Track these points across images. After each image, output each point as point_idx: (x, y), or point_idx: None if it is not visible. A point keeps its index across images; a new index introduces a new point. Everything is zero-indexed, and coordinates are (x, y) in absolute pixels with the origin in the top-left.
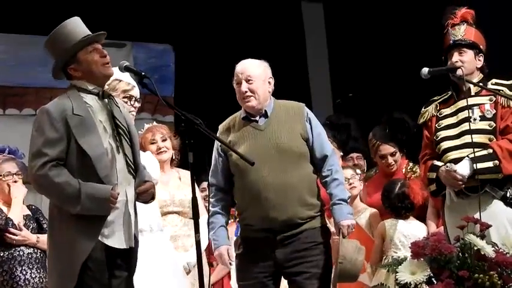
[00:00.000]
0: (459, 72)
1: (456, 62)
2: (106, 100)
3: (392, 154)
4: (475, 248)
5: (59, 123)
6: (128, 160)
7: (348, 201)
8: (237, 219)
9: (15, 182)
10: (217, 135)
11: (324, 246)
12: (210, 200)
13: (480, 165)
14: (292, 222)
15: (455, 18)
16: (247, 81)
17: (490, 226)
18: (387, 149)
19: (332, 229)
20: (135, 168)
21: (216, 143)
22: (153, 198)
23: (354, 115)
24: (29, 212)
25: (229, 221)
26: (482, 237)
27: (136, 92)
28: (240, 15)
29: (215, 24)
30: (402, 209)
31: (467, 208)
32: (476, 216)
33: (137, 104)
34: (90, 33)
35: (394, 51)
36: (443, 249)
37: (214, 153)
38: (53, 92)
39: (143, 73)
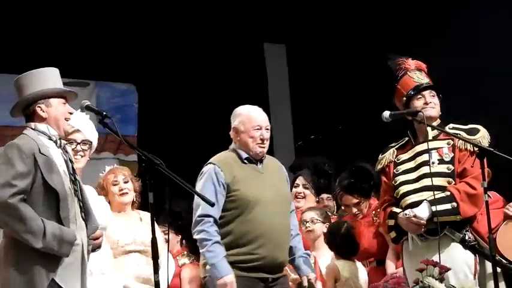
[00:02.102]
0: (420, 115)
1: (430, 102)
2: (61, 146)
3: (356, 204)
4: None
5: (28, 159)
6: (81, 205)
7: None
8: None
9: None
10: (216, 168)
11: None
12: (208, 230)
13: (439, 207)
14: (283, 265)
15: (407, 65)
16: (267, 129)
17: (449, 269)
18: (349, 199)
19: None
20: (86, 214)
21: (219, 177)
22: (99, 247)
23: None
24: None
25: (186, 262)
26: (441, 280)
27: (78, 136)
28: (202, 56)
29: (178, 64)
30: (347, 250)
31: (426, 251)
32: (436, 259)
33: (82, 147)
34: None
35: (356, 93)
36: None
37: (213, 185)
38: (14, 130)
39: (104, 113)
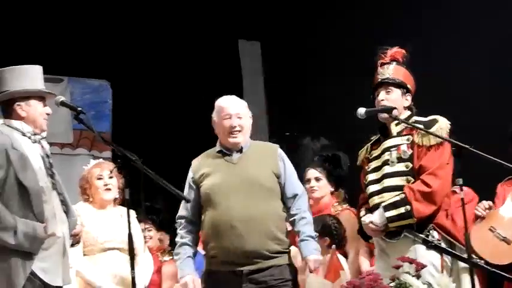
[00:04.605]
0: (395, 112)
1: (382, 100)
2: (36, 142)
3: (317, 179)
4: None
5: (0, 153)
6: (62, 199)
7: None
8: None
9: None
10: (191, 167)
11: (292, 284)
12: (179, 231)
13: (392, 213)
14: (259, 255)
15: (385, 58)
16: (239, 117)
17: (425, 266)
18: (313, 173)
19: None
20: (66, 207)
21: (188, 176)
22: (78, 242)
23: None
24: None
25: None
26: (418, 277)
27: None
28: (177, 52)
29: (152, 60)
30: (340, 239)
31: (392, 252)
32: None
33: None
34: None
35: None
36: None
37: (186, 186)
38: None
39: (79, 108)
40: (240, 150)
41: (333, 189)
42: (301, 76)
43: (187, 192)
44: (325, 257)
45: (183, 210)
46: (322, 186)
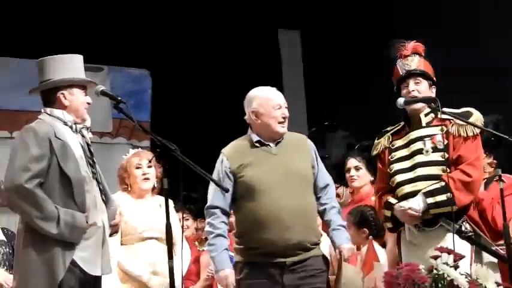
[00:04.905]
0: (435, 102)
1: (413, 90)
2: (78, 131)
3: (357, 168)
4: (448, 279)
5: (43, 143)
6: (101, 188)
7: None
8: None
9: None
10: (223, 157)
11: (326, 275)
12: (212, 222)
13: (433, 199)
14: (302, 246)
15: (405, 50)
16: (286, 108)
17: (464, 257)
18: (352, 162)
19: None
20: (105, 196)
21: (222, 166)
22: (117, 232)
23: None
24: (3, 237)
25: (205, 249)
26: (456, 267)
27: None
28: (217, 42)
29: (192, 50)
30: (378, 229)
31: (423, 242)
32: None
33: None
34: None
35: (370, 78)
36: (416, 279)
37: (220, 176)
38: (29, 114)
39: (119, 98)
40: (278, 142)
41: (372, 178)
42: (341, 65)
43: (221, 181)
44: (362, 249)
45: (217, 199)
46: (362, 176)
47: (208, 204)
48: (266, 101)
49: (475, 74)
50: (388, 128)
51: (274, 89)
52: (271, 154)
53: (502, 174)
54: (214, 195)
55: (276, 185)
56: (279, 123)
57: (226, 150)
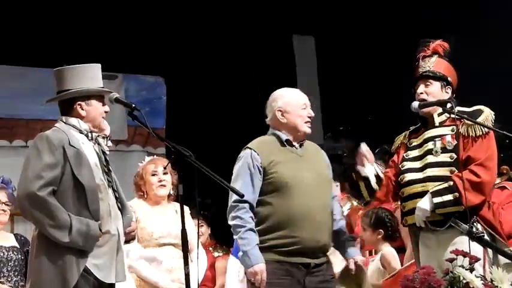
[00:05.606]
0: (449, 105)
1: (421, 93)
2: (93, 139)
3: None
4: (464, 281)
5: (57, 150)
6: (117, 196)
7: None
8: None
9: (3, 211)
10: (252, 152)
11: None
12: (242, 216)
13: (439, 199)
14: (325, 249)
15: (427, 50)
16: (310, 108)
17: (479, 259)
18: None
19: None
20: (121, 204)
21: (253, 160)
22: (133, 239)
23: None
24: (16, 244)
25: (220, 254)
26: (471, 270)
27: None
28: (231, 48)
29: (207, 56)
30: (394, 231)
31: (435, 243)
32: (445, 251)
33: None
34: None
35: (385, 83)
36: (432, 282)
37: (249, 169)
38: (44, 123)
39: (134, 105)
40: (301, 144)
41: None
42: (355, 69)
43: (247, 174)
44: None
45: (247, 194)
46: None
47: (236, 198)
48: (293, 100)
49: None
50: (411, 127)
51: (298, 89)
52: (298, 155)
53: (507, 183)
54: (242, 190)
55: (308, 185)
56: (305, 122)
57: (254, 146)
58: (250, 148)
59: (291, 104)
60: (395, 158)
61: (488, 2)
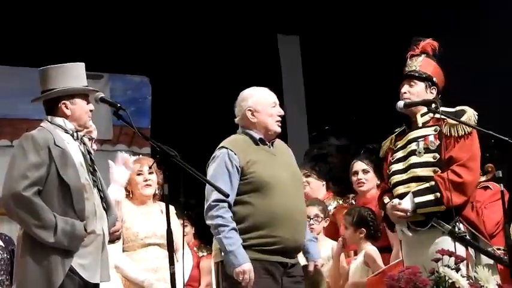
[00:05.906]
0: (433, 105)
1: (404, 93)
2: (79, 139)
3: (365, 171)
4: (450, 281)
5: (42, 150)
6: (102, 195)
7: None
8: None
9: None
10: (229, 152)
11: None
12: (224, 215)
13: (420, 199)
14: (300, 249)
15: (416, 49)
16: (280, 106)
17: (465, 259)
18: (360, 165)
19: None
20: (106, 204)
21: (232, 160)
22: (118, 239)
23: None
24: (1, 243)
25: (204, 254)
26: (457, 270)
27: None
28: (216, 47)
29: (192, 56)
30: (376, 230)
31: (418, 243)
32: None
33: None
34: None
35: (370, 83)
36: (418, 282)
37: (227, 169)
38: (30, 123)
39: (119, 105)
40: (272, 142)
41: (379, 182)
42: (340, 69)
43: (225, 174)
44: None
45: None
46: (370, 179)
47: (216, 197)
48: (263, 99)
49: None
50: (396, 130)
51: (266, 88)
52: (272, 154)
53: (490, 183)
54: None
55: (285, 184)
56: (276, 121)
57: (229, 145)
58: (226, 147)
59: (261, 103)
60: (385, 165)
61: (488, 2)
